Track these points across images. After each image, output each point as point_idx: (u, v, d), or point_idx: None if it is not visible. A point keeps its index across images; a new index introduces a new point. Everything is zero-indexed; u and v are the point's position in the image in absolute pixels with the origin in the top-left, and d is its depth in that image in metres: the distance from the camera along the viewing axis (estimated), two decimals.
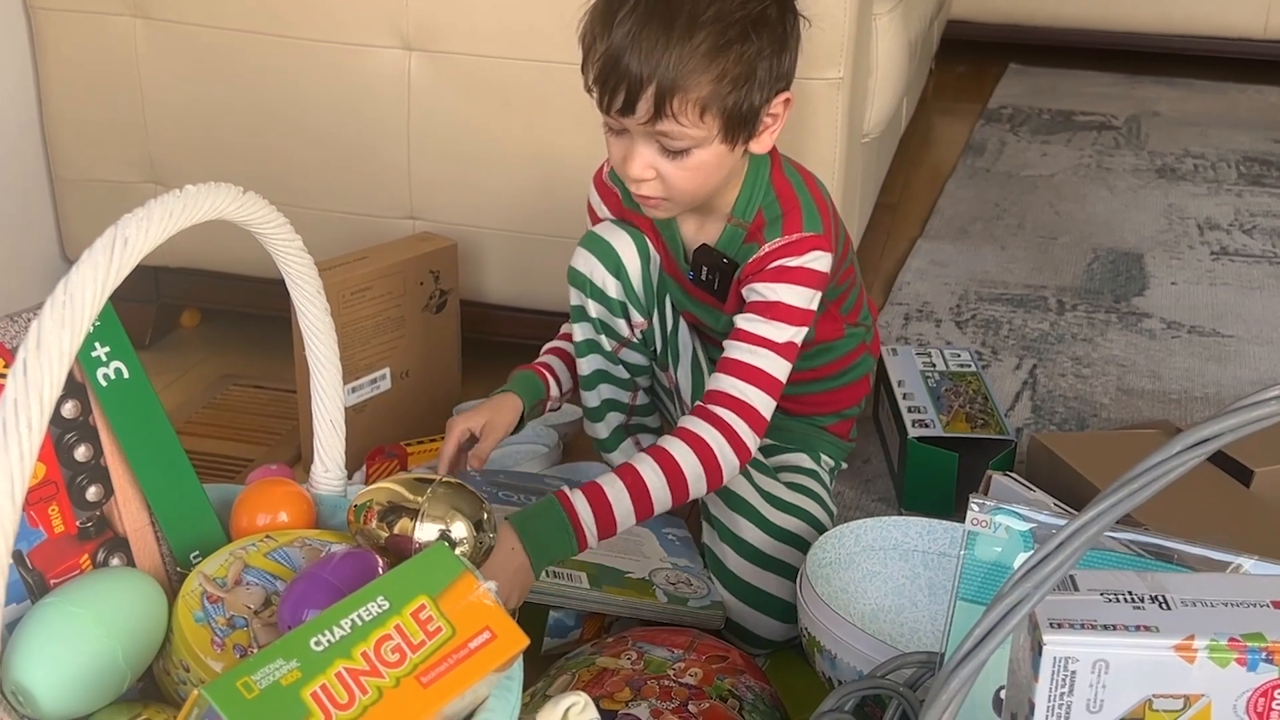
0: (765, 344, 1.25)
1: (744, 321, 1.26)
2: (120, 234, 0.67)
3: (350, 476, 1.56)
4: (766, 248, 1.27)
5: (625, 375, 1.42)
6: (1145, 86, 3.38)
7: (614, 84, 1.16)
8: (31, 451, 0.61)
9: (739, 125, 1.19)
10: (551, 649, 1.28)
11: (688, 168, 1.21)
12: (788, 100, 1.23)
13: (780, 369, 1.25)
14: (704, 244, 1.33)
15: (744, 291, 1.28)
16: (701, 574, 1.34)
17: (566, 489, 1.20)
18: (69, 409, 0.88)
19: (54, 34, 1.82)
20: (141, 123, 1.82)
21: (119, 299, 0.78)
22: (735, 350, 1.25)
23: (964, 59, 3.51)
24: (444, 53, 1.68)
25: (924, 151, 2.91)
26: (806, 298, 1.26)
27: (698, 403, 1.26)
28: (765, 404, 1.24)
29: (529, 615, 1.21)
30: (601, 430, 1.44)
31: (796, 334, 1.26)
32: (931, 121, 3.12)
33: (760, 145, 1.25)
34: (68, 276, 0.65)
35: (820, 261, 1.27)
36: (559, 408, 1.49)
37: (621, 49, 1.15)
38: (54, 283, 0.67)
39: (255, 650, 0.81)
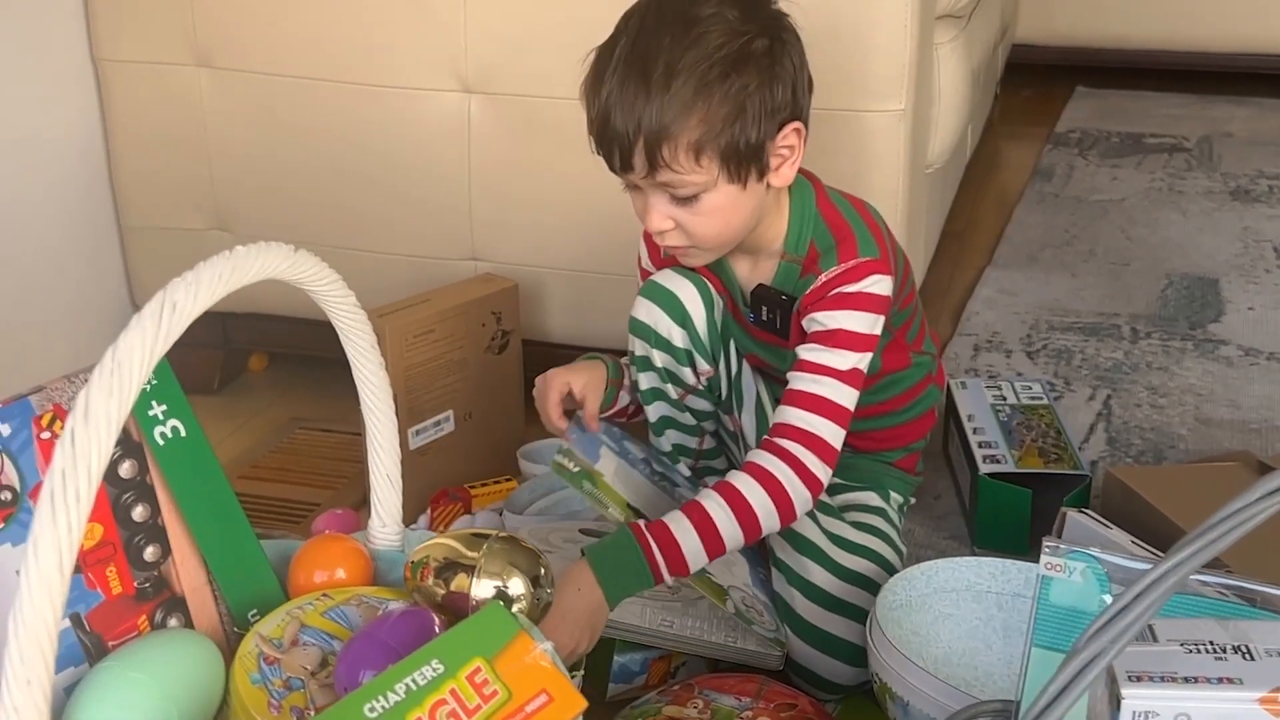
0: (829, 372, 1.22)
1: (806, 352, 1.24)
2: (169, 299, 0.67)
3: (415, 519, 1.57)
4: (823, 277, 1.26)
5: (692, 421, 1.40)
6: (1216, 106, 3.32)
7: (607, 144, 1.18)
8: (80, 522, 0.61)
9: (741, 163, 1.18)
10: (616, 695, 1.26)
11: (702, 213, 1.20)
12: (799, 130, 1.21)
13: (846, 397, 1.23)
14: (760, 284, 1.32)
15: (804, 322, 1.27)
16: (774, 614, 1.32)
17: (642, 523, 1.18)
18: (126, 469, 0.88)
19: (121, 85, 1.84)
20: (207, 170, 1.84)
21: (188, 344, 0.77)
22: (798, 381, 1.23)
23: (1030, 82, 3.46)
24: (503, 95, 1.68)
25: (991, 177, 2.87)
26: (869, 323, 1.24)
27: (765, 437, 1.24)
28: (833, 433, 1.22)
29: (594, 657, 1.20)
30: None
31: (860, 360, 1.23)
32: (998, 147, 3.09)
33: (780, 179, 1.23)
34: (116, 343, 0.65)
35: (880, 285, 1.25)
36: (624, 409, 1.46)
37: (608, 108, 1.17)
38: (123, 330, 0.67)
39: (312, 712, 0.80)
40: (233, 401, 1.95)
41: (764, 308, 1.32)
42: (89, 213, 1.91)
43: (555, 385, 1.34)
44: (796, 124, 1.21)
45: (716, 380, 1.37)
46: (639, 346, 1.35)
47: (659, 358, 1.34)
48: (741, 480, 1.20)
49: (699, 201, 1.19)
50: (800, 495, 1.20)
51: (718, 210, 1.20)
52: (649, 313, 1.33)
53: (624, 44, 1.17)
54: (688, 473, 1.42)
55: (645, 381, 1.36)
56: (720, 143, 1.16)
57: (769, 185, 1.23)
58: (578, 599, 1.13)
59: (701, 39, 1.15)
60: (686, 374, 1.35)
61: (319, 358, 1.92)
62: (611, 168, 1.20)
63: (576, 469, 1.28)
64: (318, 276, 0.84)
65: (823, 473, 1.21)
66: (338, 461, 1.77)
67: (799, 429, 1.21)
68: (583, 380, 1.35)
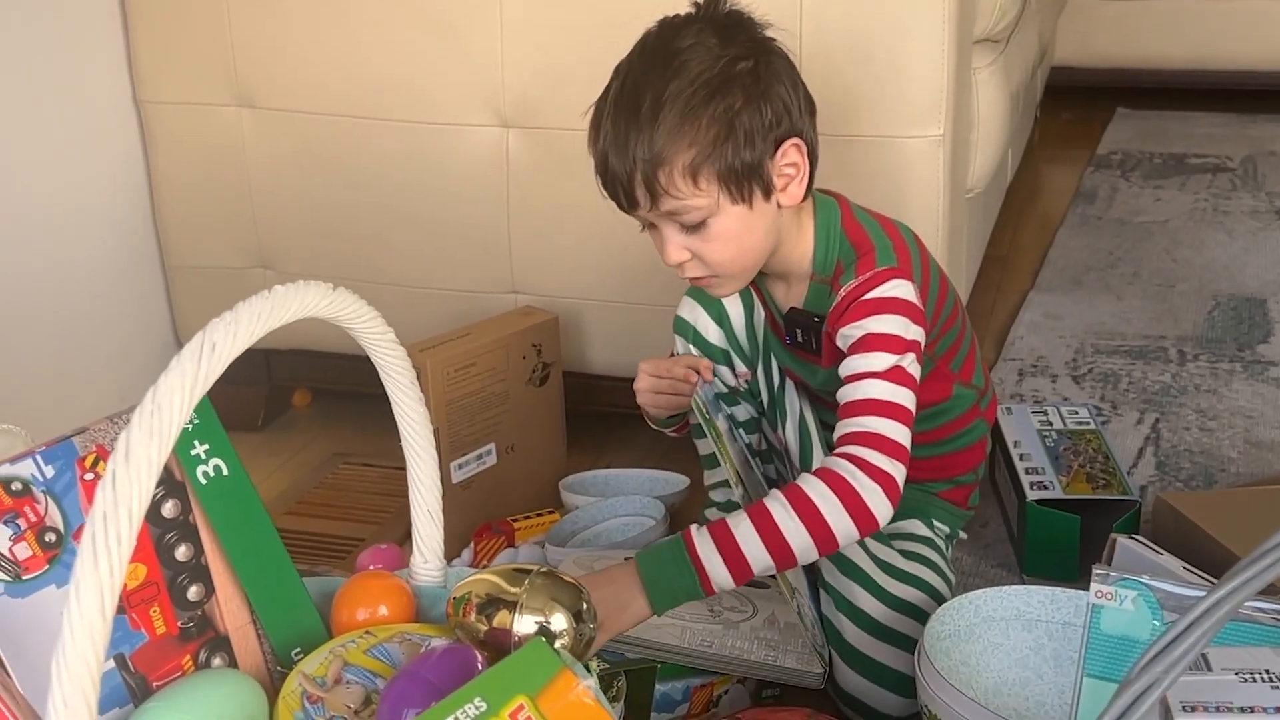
0: (867, 375, 1.21)
1: (844, 368, 1.23)
2: (208, 340, 0.67)
3: (459, 553, 1.56)
4: (842, 291, 1.26)
5: (747, 415, 1.42)
6: (1259, 125, 3.28)
7: (611, 185, 1.22)
8: (121, 565, 0.61)
9: (741, 182, 1.19)
10: None
11: (713, 239, 1.22)
12: (799, 146, 1.22)
13: (893, 393, 1.20)
14: (793, 307, 1.33)
15: (837, 341, 1.26)
16: (823, 632, 1.30)
17: (694, 527, 1.17)
18: (169, 508, 0.89)
19: (163, 127, 1.86)
20: (249, 209, 1.86)
21: (232, 382, 0.78)
22: (844, 394, 1.22)
23: (1070, 105, 3.45)
24: (541, 128, 1.68)
25: (1032, 201, 2.86)
26: (899, 325, 1.23)
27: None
28: (891, 428, 1.18)
29: (637, 682, 1.19)
30: (719, 476, 1.43)
31: (902, 360, 1.21)
32: (1039, 170, 3.07)
33: (790, 198, 1.24)
34: (156, 385, 0.65)
35: (900, 289, 1.24)
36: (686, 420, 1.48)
37: (605, 152, 1.21)
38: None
39: None
40: (277, 438, 1.96)
41: (798, 330, 1.33)
42: (134, 253, 1.92)
43: (660, 361, 1.38)
44: (795, 140, 1.22)
45: (756, 386, 1.39)
46: (680, 344, 1.40)
47: (698, 355, 1.38)
48: (803, 479, 1.17)
49: (708, 227, 1.21)
50: (868, 489, 1.15)
51: (728, 234, 1.22)
52: (690, 310, 1.40)
53: (615, 88, 1.22)
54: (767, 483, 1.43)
55: None
56: (715, 164, 1.18)
57: (780, 206, 1.24)
58: (618, 593, 1.12)
59: (684, 68, 1.18)
60: (725, 373, 1.38)
61: (361, 393, 1.93)
62: (620, 207, 1.24)
63: (707, 415, 1.29)
64: (356, 314, 0.84)
65: (890, 466, 1.16)
66: (381, 496, 1.78)
67: (853, 432, 1.19)
68: (684, 360, 1.38)
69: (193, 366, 0.66)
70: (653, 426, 1.46)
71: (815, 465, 1.25)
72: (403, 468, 1.02)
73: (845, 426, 1.20)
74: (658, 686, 1.24)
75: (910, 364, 1.22)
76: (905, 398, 1.21)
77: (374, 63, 1.74)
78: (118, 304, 1.91)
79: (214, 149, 1.84)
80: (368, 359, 0.95)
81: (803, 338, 1.33)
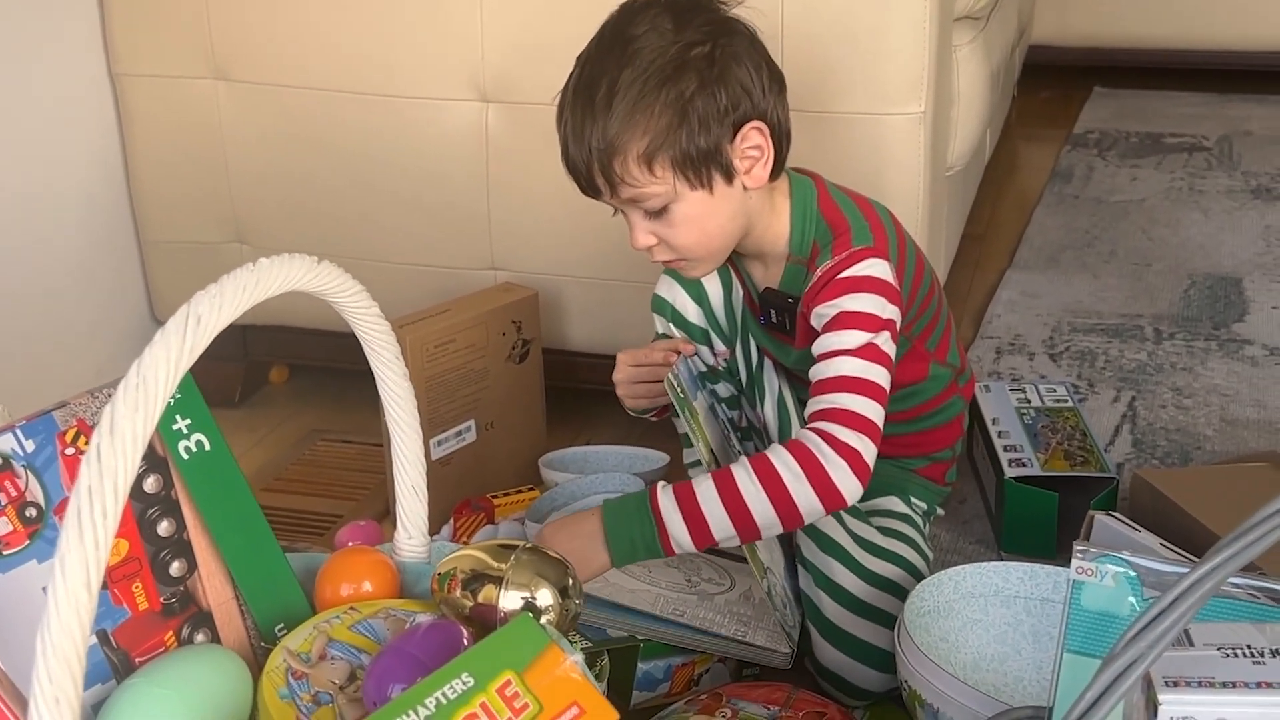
0: (838, 353, 1.21)
1: (817, 345, 1.23)
2: (193, 312, 0.66)
3: (438, 530, 1.56)
4: (818, 271, 1.26)
5: (728, 392, 1.42)
6: (1235, 105, 3.30)
7: (573, 176, 1.24)
8: (107, 539, 0.60)
9: (698, 168, 1.20)
10: (639, 703, 1.25)
11: (675, 224, 1.23)
12: (761, 129, 1.22)
13: (864, 369, 1.20)
14: (768, 287, 1.33)
15: (812, 320, 1.26)
16: (795, 611, 1.31)
17: (660, 483, 1.18)
18: (151, 484, 0.88)
19: (138, 99, 1.84)
20: (225, 183, 1.84)
21: (208, 357, 0.77)
22: (816, 372, 1.22)
23: (1047, 84, 3.45)
24: (521, 104, 1.68)
25: (1010, 180, 2.86)
26: (875, 304, 1.22)
27: None
28: (861, 404, 1.18)
29: (619, 661, 1.19)
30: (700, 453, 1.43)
31: (876, 338, 1.21)
32: (1016, 149, 3.07)
33: (754, 181, 1.24)
34: (141, 358, 0.64)
35: (876, 268, 1.24)
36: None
37: (565, 142, 1.22)
38: (144, 344, 0.67)
39: None
40: (254, 414, 1.95)
41: (772, 310, 1.33)
42: (109, 228, 1.91)
43: (661, 348, 1.37)
44: (757, 123, 1.21)
45: (735, 365, 1.39)
46: (659, 323, 1.40)
47: (677, 334, 1.39)
48: (773, 450, 1.17)
49: (670, 213, 1.22)
50: (835, 465, 1.14)
51: (691, 219, 1.22)
52: (669, 289, 1.39)
53: (574, 77, 1.23)
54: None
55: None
56: (670, 150, 1.18)
57: (746, 189, 1.24)
58: (572, 543, 1.14)
59: (636, 55, 1.19)
60: (704, 352, 1.39)
61: (339, 369, 1.92)
62: (584, 194, 1.24)
63: (682, 394, 1.29)
64: (341, 288, 0.84)
65: (858, 441, 1.16)
66: (359, 473, 1.77)
67: (822, 409, 1.19)
68: (662, 344, 1.38)
69: (178, 340, 0.65)
70: (631, 414, 1.46)
71: None
72: (380, 444, 1.02)
73: (816, 403, 1.20)
74: (640, 665, 1.24)
75: (885, 342, 1.22)
76: (878, 375, 1.21)
77: (352, 36, 1.72)
78: (93, 279, 1.89)
79: (190, 122, 1.83)
80: (346, 335, 0.95)
81: (777, 318, 1.33)
